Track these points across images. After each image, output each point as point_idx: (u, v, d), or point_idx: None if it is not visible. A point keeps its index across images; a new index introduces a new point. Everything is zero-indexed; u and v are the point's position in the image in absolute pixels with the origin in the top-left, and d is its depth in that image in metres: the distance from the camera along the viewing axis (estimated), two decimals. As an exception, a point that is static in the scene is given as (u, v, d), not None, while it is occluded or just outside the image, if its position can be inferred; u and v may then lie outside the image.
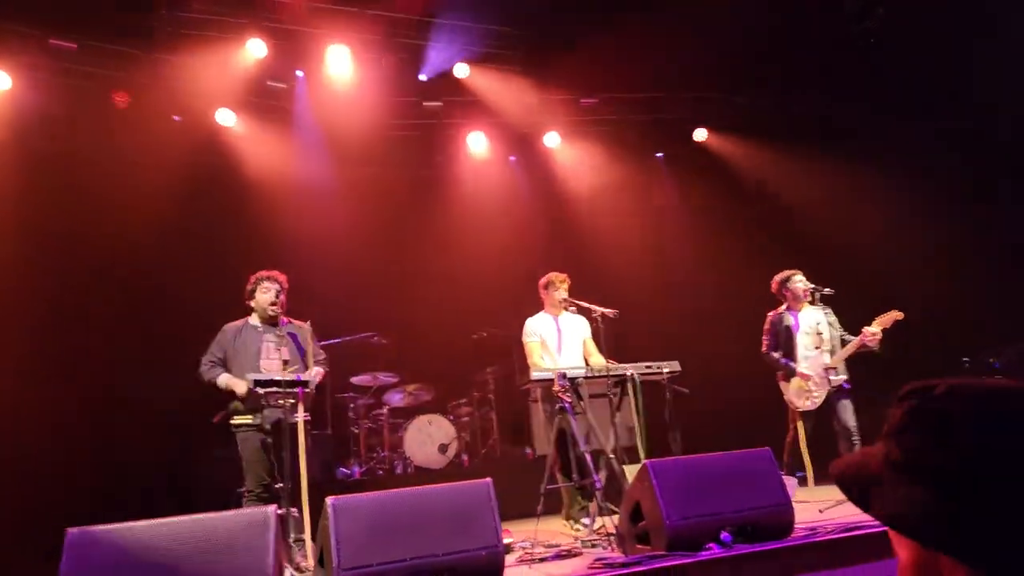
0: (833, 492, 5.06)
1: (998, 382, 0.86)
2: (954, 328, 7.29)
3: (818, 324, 5.45)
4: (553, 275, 5.48)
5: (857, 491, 0.92)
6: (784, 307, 5.79)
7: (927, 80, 7.63)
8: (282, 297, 4.75)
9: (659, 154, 9.72)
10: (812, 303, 5.59)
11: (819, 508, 4.50)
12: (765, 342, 5.77)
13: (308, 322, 4.72)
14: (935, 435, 0.84)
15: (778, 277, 5.79)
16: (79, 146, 7.27)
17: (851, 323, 5.69)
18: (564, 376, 4.33)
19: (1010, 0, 6.92)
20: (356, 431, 7.55)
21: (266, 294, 4.70)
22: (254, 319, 4.79)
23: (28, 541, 5.60)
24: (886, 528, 0.91)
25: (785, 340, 5.66)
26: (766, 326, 5.80)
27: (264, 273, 4.79)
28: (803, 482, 5.52)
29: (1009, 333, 7.26)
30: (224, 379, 4.53)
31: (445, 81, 8.50)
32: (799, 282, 5.66)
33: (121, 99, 7.34)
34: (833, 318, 5.64)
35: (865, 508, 0.90)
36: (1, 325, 6.54)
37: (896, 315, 5.35)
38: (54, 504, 5.85)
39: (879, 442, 0.94)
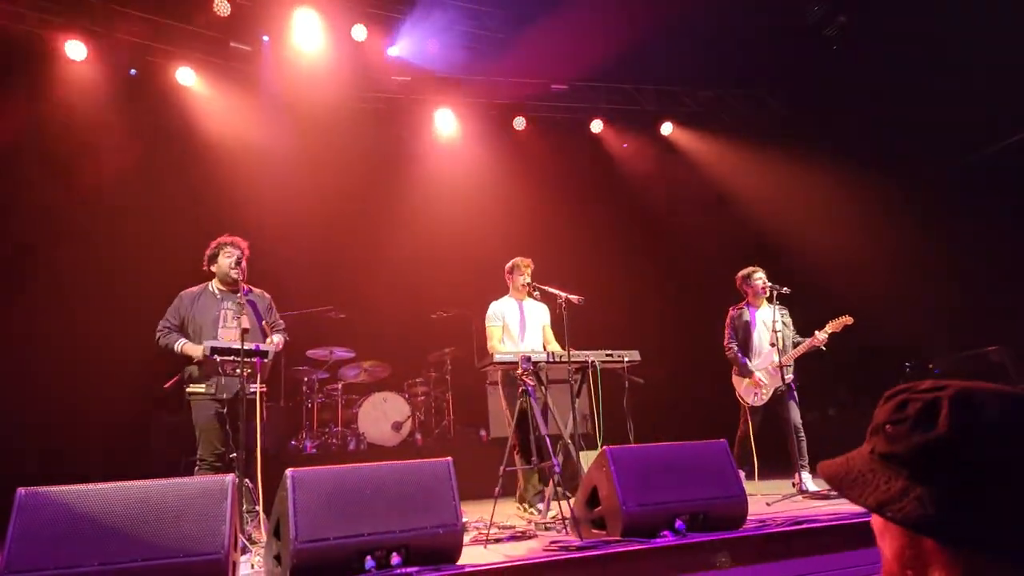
0: (778, 486, 5.23)
1: (980, 382, 0.89)
2: (898, 333, 7.56)
3: (774, 322, 5.59)
4: (518, 260, 5.48)
5: (844, 483, 0.94)
6: (744, 303, 5.94)
7: (885, 81, 7.84)
8: (243, 263, 4.63)
9: (624, 144, 9.77)
10: (770, 301, 5.73)
11: (766, 502, 4.63)
12: (727, 335, 5.91)
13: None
14: (918, 423, 0.87)
15: (741, 273, 5.95)
16: (31, 97, 6.92)
17: (803, 322, 5.86)
18: (528, 360, 4.33)
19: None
20: (309, 405, 7.45)
21: (228, 258, 4.59)
22: (213, 285, 4.67)
23: None
24: (841, 523, 0.94)
25: (742, 335, 5.82)
26: (727, 321, 5.94)
27: (226, 238, 4.67)
28: (749, 475, 5.68)
29: (951, 341, 7.58)
30: (180, 344, 4.40)
31: (417, 54, 8.37)
32: (759, 279, 5.81)
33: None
34: (788, 318, 5.81)
35: (851, 498, 0.93)
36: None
37: (846, 320, 5.56)
38: (3, 464, 5.64)
39: (866, 440, 0.97)
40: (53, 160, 6.96)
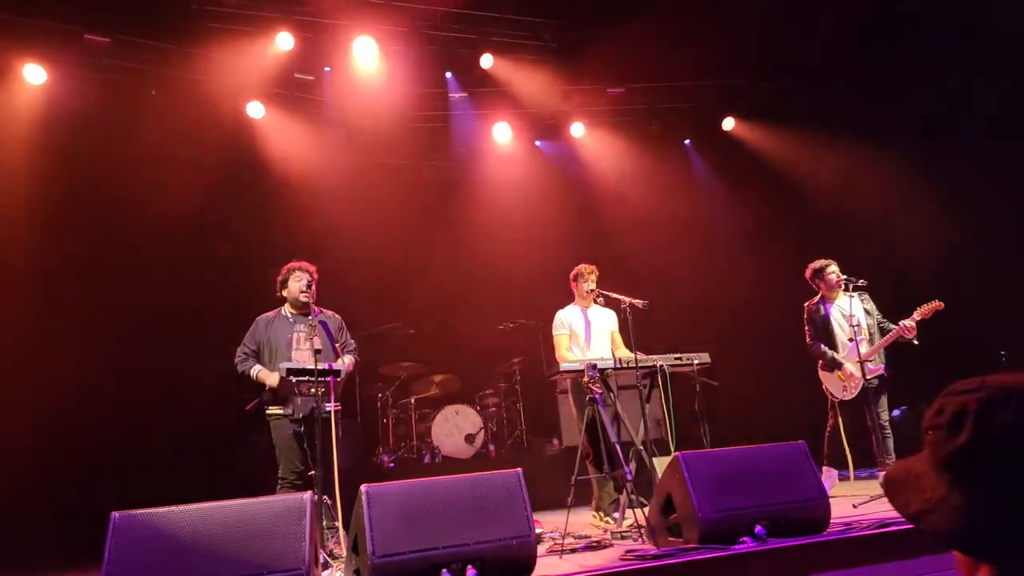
0: (871, 487, 5.00)
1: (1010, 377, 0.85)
2: (991, 320, 7.12)
3: (850, 316, 5.36)
4: (582, 267, 5.46)
5: (890, 490, 0.91)
6: (819, 297, 5.72)
7: (965, 66, 7.44)
8: (313, 287, 4.80)
9: (687, 142, 9.60)
10: (847, 292, 5.50)
11: (853, 504, 4.44)
12: (808, 332, 5.68)
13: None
14: (950, 430, 0.84)
15: (812, 266, 5.72)
16: (112, 140, 7.38)
17: (887, 313, 5.61)
18: (594, 367, 4.31)
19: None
20: (385, 421, 7.62)
21: (298, 282, 4.76)
22: (286, 310, 4.85)
23: (71, 526, 5.77)
24: None
25: (823, 329, 5.59)
26: (805, 316, 5.72)
27: (295, 264, 4.85)
28: (844, 475, 5.46)
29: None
30: (256, 371, 4.60)
31: (471, 71, 8.47)
32: (832, 272, 5.58)
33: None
34: (871, 305, 5.56)
35: (900, 510, 0.90)
36: (39, 318, 6.70)
37: (937, 305, 5.26)
38: (94, 489, 6.01)
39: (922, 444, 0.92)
40: (140, 186, 7.36)
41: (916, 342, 5.27)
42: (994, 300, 7.13)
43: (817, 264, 5.69)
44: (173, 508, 2.93)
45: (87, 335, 6.77)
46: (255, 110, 8.08)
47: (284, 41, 7.53)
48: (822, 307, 5.64)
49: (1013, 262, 7.21)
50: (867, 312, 5.49)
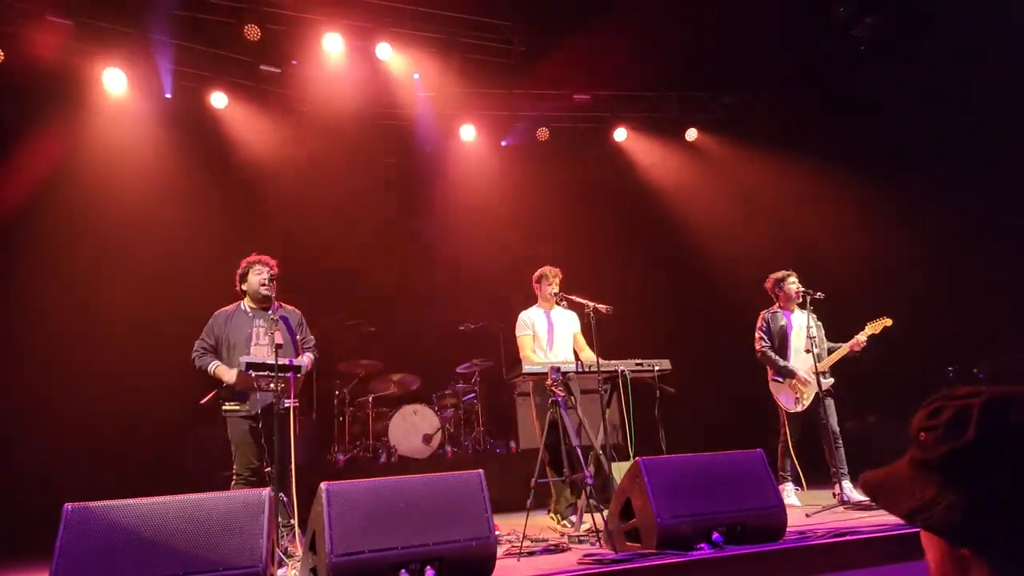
0: (819, 497, 5.13)
1: (1008, 387, 0.89)
2: (938, 337, 7.38)
3: (808, 328, 5.49)
4: (546, 269, 5.48)
5: (879, 492, 0.94)
6: (776, 306, 5.84)
7: (921, 82, 7.71)
8: (274, 281, 4.70)
9: (651, 152, 9.72)
10: (802, 307, 5.63)
11: (806, 513, 4.54)
12: (761, 340, 5.75)
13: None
14: (949, 430, 0.88)
15: (773, 276, 5.85)
16: (73, 124, 7.13)
17: (836, 327, 5.77)
18: (557, 370, 4.32)
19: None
20: (341, 418, 7.51)
21: (258, 275, 4.66)
22: (245, 304, 4.74)
23: (24, 518, 5.55)
24: (883, 535, 0.93)
25: (779, 339, 5.70)
26: (759, 323, 5.80)
27: (256, 257, 4.75)
28: (797, 485, 5.58)
29: (994, 343, 7.38)
30: (213, 367, 4.48)
31: (438, 71, 8.43)
32: (792, 283, 5.71)
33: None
34: (818, 323, 5.70)
35: (885, 507, 0.93)
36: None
37: (886, 322, 5.45)
38: (48, 481, 5.79)
39: (907, 450, 0.96)
40: (93, 184, 7.14)
41: (861, 352, 5.45)
42: (940, 317, 7.39)
43: (778, 274, 5.82)
44: (128, 501, 2.84)
45: (35, 327, 6.52)
46: (218, 100, 7.91)
47: (250, 32, 7.38)
48: (781, 316, 5.76)
49: (960, 279, 7.48)
50: (819, 326, 5.63)
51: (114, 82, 7.23)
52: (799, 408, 5.52)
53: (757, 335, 5.79)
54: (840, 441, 5.38)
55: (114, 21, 7.11)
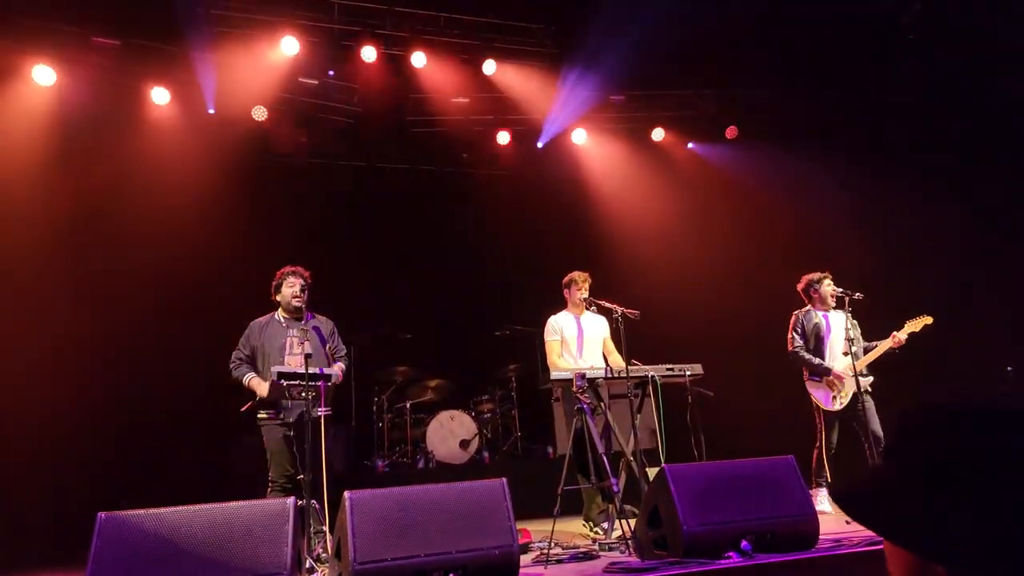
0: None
1: (995, 401, 0.86)
2: (982, 337, 7.07)
3: (847, 328, 5.33)
4: (575, 274, 5.46)
5: (849, 505, 0.92)
6: (808, 307, 5.69)
7: (954, 81, 7.41)
8: (306, 292, 4.81)
9: (690, 147, 9.58)
10: (839, 307, 5.47)
11: (846, 520, 4.41)
12: (794, 340, 5.60)
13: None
14: (916, 444, 0.87)
15: (807, 278, 5.70)
16: (119, 143, 7.43)
17: (872, 327, 5.59)
18: (583, 377, 4.30)
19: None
20: (379, 425, 7.61)
21: (291, 288, 4.79)
22: (279, 314, 4.87)
23: (59, 526, 5.78)
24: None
25: (814, 340, 5.55)
26: (792, 323, 5.66)
27: (289, 268, 4.87)
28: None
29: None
30: (248, 378, 4.62)
31: (474, 77, 8.48)
32: (828, 285, 5.57)
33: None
34: (855, 322, 5.53)
35: (862, 522, 0.90)
36: (39, 319, 6.73)
37: (926, 320, 5.28)
38: (84, 489, 6.02)
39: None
40: (144, 198, 7.40)
41: (898, 350, 5.30)
42: (987, 314, 7.09)
43: (813, 276, 5.68)
44: (158, 510, 2.95)
45: (80, 335, 6.78)
46: (259, 114, 8.11)
47: (289, 46, 7.56)
48: (815, 315, 5.61)
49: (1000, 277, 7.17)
50: (855, 325, 5.47)
51: (160, 99, 7.52)
52: (837, 406, 5.37)
53: (790, 336, 5.66)
54: (882, 445, 5.21)
55: (159, 40, 7.38)
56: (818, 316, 5.61)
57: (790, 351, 5.62)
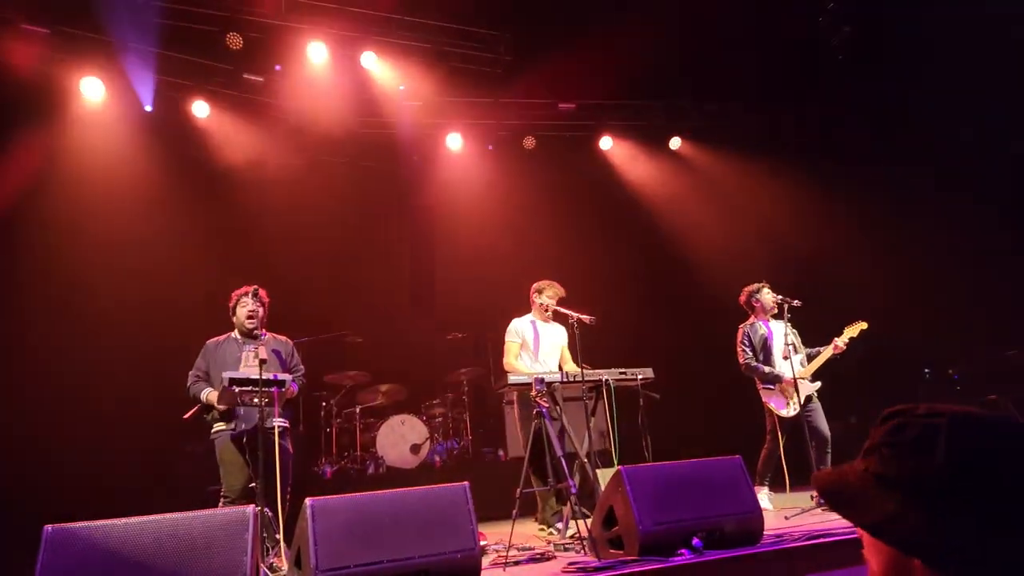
0: (802, 500, 5.20)
1: (972, 408, 0.93)
2: (915, 339, 7.49)
3: (786, 335, 5.58)
4: (546, 282, 5.54)
5: (838, 501, 0.98)
6: (753, 318, 5.90)
7: (895, 92, 7.85)
8: (261, 311, 4.73)
9: (636, 158, 9.79)
10: (778, 316, 5.71)
11: (785, 516, 4.62)
12: (745, 353, 5.79)
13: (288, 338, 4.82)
14: (913, 449, 0.91)
15: (747, 289, 5.92)
16: (50, 134, 7.12)
17: (817, 333, 5.84)
18: (542, 381, 4.37)
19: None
20: (328, 430, 7.52)
21: (244, 308, 4.73)
22: (236, 333, 4.80)
23: (4, 538, 5.51)
24: (856, 536, 0.98)
25: (762, 349, 5.75)
26: (740, 337, 5.85)
27: (244, 289, 4.78)
28: (779, 488, 5.64)
29: (969, 345, 7.50)
30: (205, 393, 4.54)
31: (424, 80, 8.47)
32: (768, 294, 5.79)
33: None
34: (794, 330, 5.76)
35: (845, 516, 0.97)
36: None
37: (862, 325, 5.56)
38: (31, 501, 5.76)
39: (860, 457, 1.00)
40: (70, 195, 7.12)
41: (839, 355, 5.56)
42: (917, 320, 7.50)
43: (752, 287, 5.90)
44: (109, 521, 2.85)
45: (18, 340, 6.49)
46: (200, 109, 7.91)
47: (233, 41, 7.39)
48: (760, 326, 5.83)
49: (935, 282, 7.61)
50: (795, 333, 5.70)
51: (92, 91, 7.24)
52: (792, 412, 5.55)
53: (739, 349, 5.82)
54: (829, 447, 5.44)
55: (92, 30, 7.11)
56: (762, 327, 5.81)
57: (742, 363, 5.79)
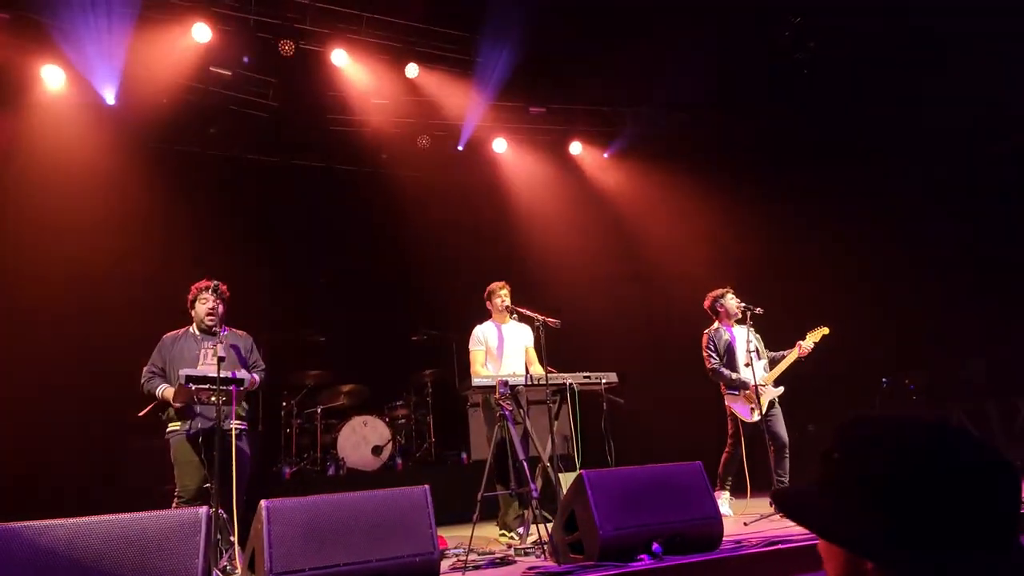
0: (762, 505, 5.26)
1: (918, 414, 0.97)
2: (874, 348, 7.64)
3: (748, 341, 5.64)
4: (493, 284, 5.53)
5: (792, 507, 1.00)
6: (717, 323, 5.96)
7: (860, 102, 8.02)
8: (221, 307, 4.62)
9: (605, 164, 9.83)
10: (741, 321, 5.78)
11: (744, 521, 4.66)
12: (710, 358, 5.82)
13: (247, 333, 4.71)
14: (859, 453, 0.94)
15: (711, 294, 5.98)
16: (9, 120, 6.89)
17: (778, 340, 5.93)
18: (506, 384, 4.35)
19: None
20: (288, 430, 7.39)
21: (203, 305, 4.62)
22: (194, 328, 4.68)
23: None
24: (815, 543, 1.00)
25: (727, 353, 5.81)
26: (705, 342, 5.90)
27: (204, 283, 4.67)
28: (740, 494, 5.70)
29: (927, 355, 7.68)
30: (161, 389, 4.41)
31: (395, 80, 8.41)
32: (731, 299, 5.86)
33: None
34: (757, 336, 5.83)
35: (799, 521, 0.98)
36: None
37: (823, 330, 5.66)
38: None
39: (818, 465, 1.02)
40: (23, 184, 6.89)
41: (803, 359, 5.65)
42: (876, 329, 7.66)
43: (716, 292, 5.96)
44: (55, 521, 2.74)
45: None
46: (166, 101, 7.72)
47: (200, 33, 7.25)
48: (724, 332, 5.89)
49: (896, 292, 7.78)
50: (758, 339, 5.78)
51: (53, 80, 7.03)
52: (756, 418, 5.59)
53: (705, 354, 5.86)
54: (787, 451, 5.51)
55: (54, 17, 6.90)
56: (726, 332, 5.88)
57: (709, 368, 5.82)
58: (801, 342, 5.66)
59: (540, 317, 4.94)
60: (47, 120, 7.10)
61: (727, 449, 5.71)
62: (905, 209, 7.83)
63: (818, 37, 7.96)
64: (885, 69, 7.65)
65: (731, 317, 5.88)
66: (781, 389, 5.71)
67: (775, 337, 5.97)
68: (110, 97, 7.36)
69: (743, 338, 5.74)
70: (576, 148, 9.56)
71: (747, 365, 5.57)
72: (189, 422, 4.37)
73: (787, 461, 5.49)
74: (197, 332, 4.67)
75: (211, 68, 7.85)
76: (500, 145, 9.34)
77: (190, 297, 4.70)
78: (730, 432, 5.74)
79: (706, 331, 5.95)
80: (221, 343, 4.27)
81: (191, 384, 4.18)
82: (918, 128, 7.58)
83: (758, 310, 5.62)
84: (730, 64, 8.14)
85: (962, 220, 7.63)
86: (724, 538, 3.79)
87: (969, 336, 7.42)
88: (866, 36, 7.55)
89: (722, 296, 5.90)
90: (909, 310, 7.62)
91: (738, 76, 8.42)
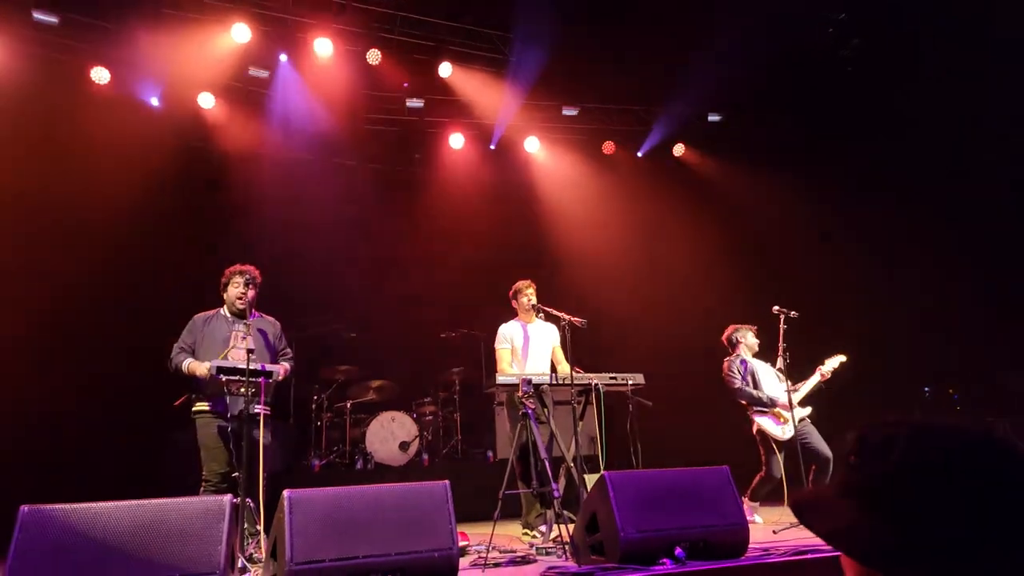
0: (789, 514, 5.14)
1: (936, 419, 0.91)
2: (918, 358, 7.43)
3: (779, 369, 5.58)
4: (519, 283, 5.52)
5: (802, 510, 0.96)
6: (735, 353, 5.85)
7: (909, 111, 7.80)
8: (251, 291, 4.70)
9: (638, 165, 9.76)
10: (757, 355, 5.75)
11: (773, 529, 4.57)
12: (734, 379, 5.68)
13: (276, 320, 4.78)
14: (873, 457, 0.90)
15: (731, 329, 5.91)
16: (54, 123, 7.10)
17: (813, 351, 5.80)
18: (529, 383, 4.33)
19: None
20: (318, 424, 7.48)
21: (236, 288, 4.70)
22: (225, 310, 4.77)
23: None
24: (839, 553, 0.96)
25: (750, 376, 5.69)
26: (726, 368, 5.76)
27: (238, 267, 4.76)
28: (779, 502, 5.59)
29: (972, 365, 7.44)
30: (187, 363, 4.47)
31: (428, 79, 8.46)
32: (752, 337, 5.83)
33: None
34: (779, 370, 5.70)
35: (807, 525, 0.95)
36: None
37: (841, 358, 5.62)
38: (9, 482, 5.71)
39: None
40: (71, 180, 7.09)
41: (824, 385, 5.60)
42: (919, 339, 7.45)
43: (735, 327, 5.88)
44: (86, 504, 2.82)
45: (2, 327, 6.44)
46: (206, 101, 7.91)
47: (239, 33, 7.39)
48: (747, 359, 5.78)
49: (939, 302, 7.56)
50: (782, 372, 5.64)
51: (101, 80, 7.24)
52: (787, 434, 5.43)
53: (726, 377, 5.73)
54: (831, 466, 5.35)
55: (101, 18, 7.11)
56: (749, 360, 5.76)
57: (736, 388, 5.68)
58: (821, 367, 5.59)
59: (566, 316, 4.91)
60: (98, 120, 7.29)
61: (761, 473, 5.58)
62: (955, 216, 7.59)
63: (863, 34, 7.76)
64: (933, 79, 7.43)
65: (750, 351, 5.80)
66: (809, 409, 5.60)
67: (815, 350, 5.80)
68: (154, 95, 7.57)
69: (763, 368, 5.68)
70: (609, 148, 9.49)
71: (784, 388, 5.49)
72: (215, 401, 4.41)
73: (827, 477, 5.32)
74: (228, 314, 4.75)
75: (249, 69, 8.00)
76: (532, 144, 9.33)
77: (223, 280, 4.78)
78: (763, 457, 5.58)
79: (726, 359, 5.84)
80: (250, 335, 4.34)
81: (222, 375, 4.24)
82: (973, 136, 7.34)
83: (784, 352, 5.51)
84: (764, 62, 8.00)
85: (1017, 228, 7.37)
86: (751, 545, 3.71)
87: (1019, 348, 7.16)
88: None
89: (745, 333, 5.82)
90: (959, 319, 7.39)
91: (772, 75, 8.28)
